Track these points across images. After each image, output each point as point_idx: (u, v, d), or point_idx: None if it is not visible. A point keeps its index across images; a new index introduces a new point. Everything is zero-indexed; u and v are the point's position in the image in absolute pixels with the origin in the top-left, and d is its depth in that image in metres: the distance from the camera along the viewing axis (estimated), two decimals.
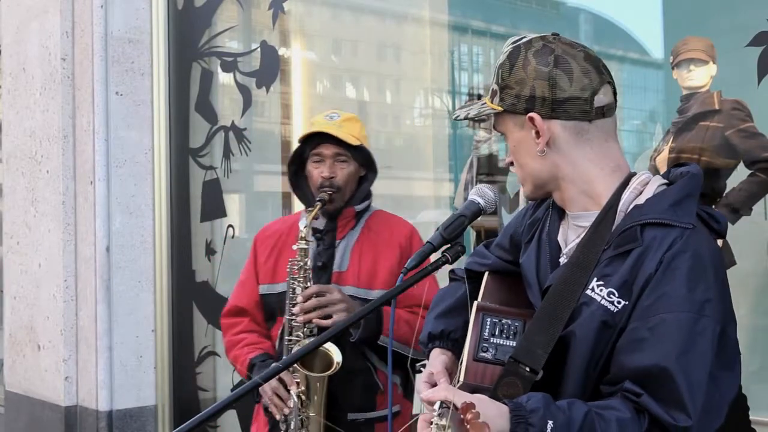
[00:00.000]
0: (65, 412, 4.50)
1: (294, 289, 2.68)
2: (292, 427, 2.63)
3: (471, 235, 3.86)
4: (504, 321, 1.64)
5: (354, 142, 2.75)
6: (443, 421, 1.30)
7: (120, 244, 4.50)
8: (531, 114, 1.62)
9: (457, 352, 1.87)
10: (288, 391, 2.63)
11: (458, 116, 1.79)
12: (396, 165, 4.62)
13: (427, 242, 1.80)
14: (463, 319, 1.87)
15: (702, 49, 3.01)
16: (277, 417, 2.66)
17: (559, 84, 1.60)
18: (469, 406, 1.29)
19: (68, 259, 4.54)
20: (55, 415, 4.54)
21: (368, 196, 2.85)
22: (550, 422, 1.40)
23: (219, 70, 4.76)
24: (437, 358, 1.86)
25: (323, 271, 2.74)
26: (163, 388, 4.60)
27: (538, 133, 1.62)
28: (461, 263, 1.95)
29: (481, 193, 1.86)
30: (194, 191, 4.77)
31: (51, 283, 4.60)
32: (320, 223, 2.77)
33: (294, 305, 2.67)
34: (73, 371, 4.53)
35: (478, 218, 1.87)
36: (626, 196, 1.61)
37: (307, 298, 2.64)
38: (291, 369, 2.62)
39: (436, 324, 1.91)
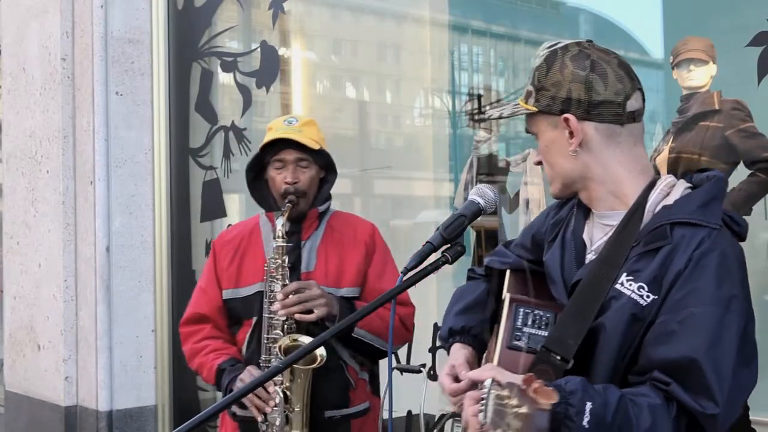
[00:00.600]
0: (65, 412, 4.50)
1: (272, 287, 2.70)
2: (277, 423, 2.62)
3: (471, 235, 3.86)
4: (536, 312, 1.71)
5: (314, 146, 2.79)
6: (504, 392, 1.33)
7: (120, 244, 4.50)
8: (566, 115, 1.69)
9: (477, 348, 1.95)
10: (267, 392, 2.63)
11: (491, 116, 1.84)
12: (396, 165, 4.62)
13: (427, 242, 1.81)
14: (483, 316, 1.97)
15: (702, 49, 3.01)
16: (259, 419, 2.65)
17: (595, 87, 1.67)
18: (531, 378, 1.33)
19: (68, 259, 4.54)
20: (55, 415, 4.54)
21: (329, 197, 2.89)
22: (589, 403, 1.46)
23: (219, 70, 4.76)
24: (458, 352, 1.93)
25: (292, 272, 2.75)
26: (163, 388, 4.60)
27: (571, 133, 1.69)
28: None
29: (481, 193, 1.87)
30: (194, 191, 4.77)
31: (51, 283, 4.60)
32: (285, 227, 2.78)
33: (272, 303, 2.68)
34: (73, 371, 4.53)
35: (478, 218, 1.87)
36: (653, 197, 1.68)
37: (287, 295, 2.65)
38: (269, 366, 2.64)
39: (457, 320, 1.98)
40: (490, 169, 3.93)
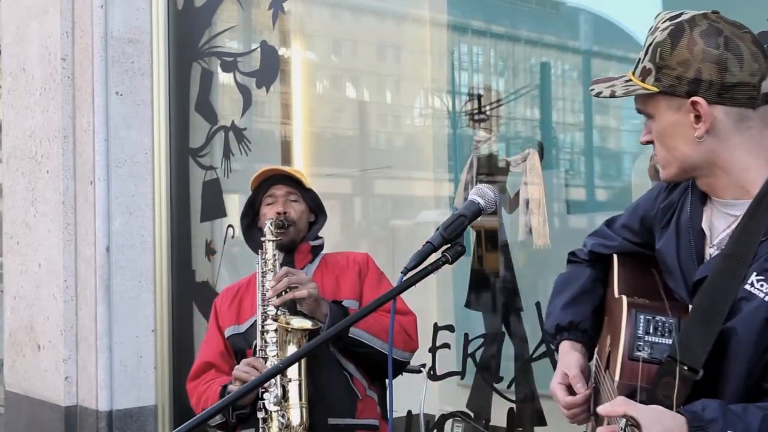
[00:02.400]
0: (65, 412, 4.50)
1: (265, 275, 2.75)
2: (273, 398, 2.60)
3: (471, 235, 3.86)
4: (658, 318, 1.58)
5: (305, 183, 2.91)
6: None
7: (120, 244, 4.50)
8: (695, 98, 1.53)
9: (586, 343, 1.85)
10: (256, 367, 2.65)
11: (600, 93, 1.67)
12: (396, 165, 4.61)
13: (427, 242, 1.80)
14: (591, 306, 1.86)
15: None
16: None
17: (730, 68, 1.52)
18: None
19: (68, 259, 4.53)
20: (55, 415, 4.54)
21: (320, 237, 2.97)
22: (730, 431, 1.36)
23: (219, 70, 4.76)
24: (570, 356, 1.83)
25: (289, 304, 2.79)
26: (163, 388, 4.60)
27: (697, 117, 1.54)
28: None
29: (481, 193, 1.87)
30: (194, 191, 4.77)
31: (51, 283, 4.60)
32: (278, 258, 2.83)
33: (265, 294, 2.72)
34: (73, 371, 4.52)
35: (478, 218, 1.87)
36: None
37: (278, 280, 2.69)
38: (264, 356, 2.66)
39: (564, 314, 1.87)
40: (490, 169, 3.93)
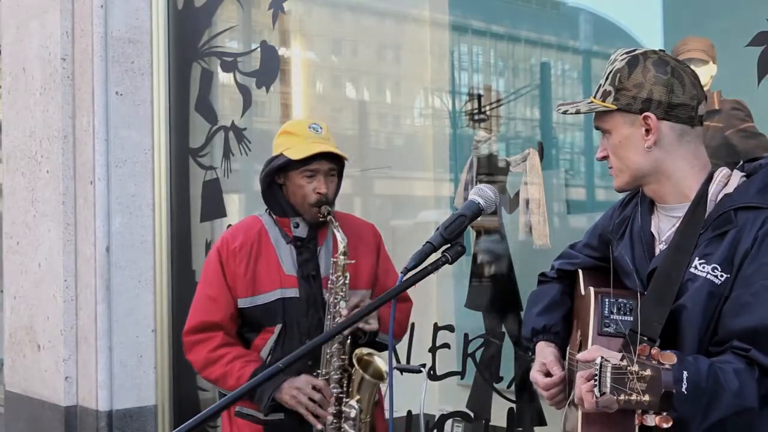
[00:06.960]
0: (65, 412, 4.50)
1: (335, 303, 2.74)
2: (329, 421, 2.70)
3: (471, 235, 3.86)
4: (620, 300, 1.88)
5: (346, 158, 2.84)
6: (623, 362, 1.52)
7: (120, 244, 4.50)
8: (647, 113, 1.85)
9: (558, 343, 2.11)
10: (326, 398, 2.72)
11: (567, 111, 1.96)
12: (396, 165, 4.62)
13: (427, 242, 1.84)
14: (562, 314, 2.14)
15: (702, 49, 3.01)
16: (318, 426, 2.70)
17: (675, 91, 1.84)
18: (646, 346, 1.55)
19: (68, 259, 4.54)
20: (55, 415, 4.54)
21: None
22: (685, 372, 1.61)
23: (219, 70, 4.76)
24: (545, 350, 2.09)
25: (314, 280, 2.79)
26: (163, 388, 4.60)
27: (648, 131, 1.86)
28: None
29: (481, 193, 1.89)
30: (194, 191, 4.77)
31: (51, 283, 4.60)
32: (302, 232, 2.80)
33: (334, 317, 2.73)
34: (73, 371, 4.53)
35: (478, 218, 1.88)
36: (713, 188, 1.86)
37: (350, 310, 2.70)
38: (328, 378, 2.73)
39: (538, 320, 2.14)
40: (490, 169, 3.93)
